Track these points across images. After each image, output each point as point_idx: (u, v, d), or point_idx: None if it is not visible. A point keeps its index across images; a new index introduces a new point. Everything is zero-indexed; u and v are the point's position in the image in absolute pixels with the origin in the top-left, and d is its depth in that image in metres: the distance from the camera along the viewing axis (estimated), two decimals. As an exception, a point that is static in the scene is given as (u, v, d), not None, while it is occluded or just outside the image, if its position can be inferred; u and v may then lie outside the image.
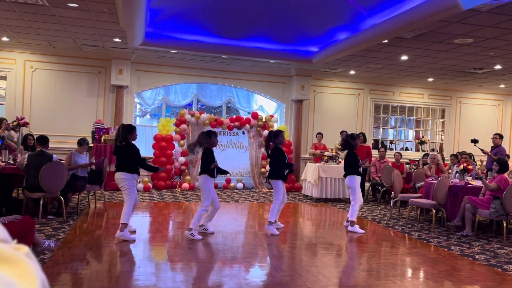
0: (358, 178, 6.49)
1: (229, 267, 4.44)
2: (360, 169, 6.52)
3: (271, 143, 6.15)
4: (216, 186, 10.79)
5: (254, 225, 6.87)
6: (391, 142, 14.18)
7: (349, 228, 6.39)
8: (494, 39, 7.60)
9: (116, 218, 6.35)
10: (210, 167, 5.58)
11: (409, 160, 10.87)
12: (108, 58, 10.38)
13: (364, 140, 10.21)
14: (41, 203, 6.04)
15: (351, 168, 6.53)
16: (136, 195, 5.38)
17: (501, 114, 14.02)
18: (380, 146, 12.24)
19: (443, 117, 13.73)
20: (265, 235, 5.98)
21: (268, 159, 6.30)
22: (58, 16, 7.34)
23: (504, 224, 6.02)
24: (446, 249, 5.49)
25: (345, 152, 6.83)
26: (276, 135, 6.08)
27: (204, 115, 10.64)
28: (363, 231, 6.32)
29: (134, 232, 5.59)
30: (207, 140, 5.62)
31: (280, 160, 6.01)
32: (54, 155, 6.35)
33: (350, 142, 6.56)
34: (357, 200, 6.44)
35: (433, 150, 13.67)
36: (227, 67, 11.31)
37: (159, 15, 7.59)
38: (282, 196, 6.06)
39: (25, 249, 0.58)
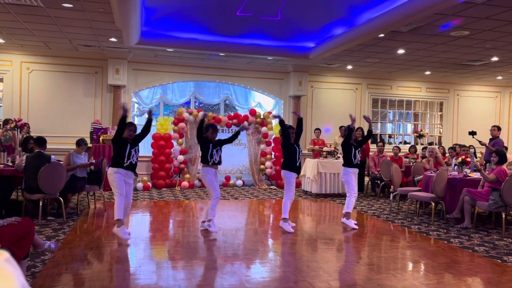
0: (350, 170, 6.47)
1: (230, 264, 4.45)
2: (357, 160, 6.50)
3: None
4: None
5: (254, 222, 6.88)
6: (390, 136, 14.19)
7: (343, 219, 6.41)
8: (490, 31, 7.60)
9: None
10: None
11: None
12: (105, 58, 10.35)
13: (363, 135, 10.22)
14: (41, 204, 6.04)
15: (344, 159, 6.59)
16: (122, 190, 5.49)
17: (498, 106, 14.03)
18: (378, 140, 12.26)
19: (441, 110, 13.74)
20: (265, 232, 5.99)
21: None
22: (53, 16, 7.31)
23: (503, 216, 6.03)
24: (445, 242, 5.51)
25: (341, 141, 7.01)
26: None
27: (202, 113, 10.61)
28: (356, 227, 6.22)
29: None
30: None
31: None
32: (52, 156, 6.33)
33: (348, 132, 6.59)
34: (351, 192, 6.45)
35: (431, 143, 13.68)
36: (224, 64, 11.29)
37: (155, 13, 7.56)
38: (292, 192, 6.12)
39: (5, 255, 0.58)
